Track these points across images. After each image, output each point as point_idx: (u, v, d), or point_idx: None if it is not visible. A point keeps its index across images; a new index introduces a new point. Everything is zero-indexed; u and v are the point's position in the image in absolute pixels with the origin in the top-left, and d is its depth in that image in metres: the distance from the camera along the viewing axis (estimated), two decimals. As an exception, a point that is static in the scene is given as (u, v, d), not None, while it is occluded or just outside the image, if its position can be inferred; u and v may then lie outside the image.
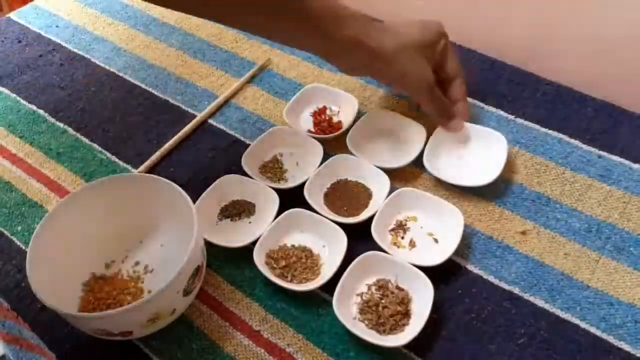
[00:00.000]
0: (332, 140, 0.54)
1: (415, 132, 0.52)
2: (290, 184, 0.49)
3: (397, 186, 0.49)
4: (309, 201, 0.47)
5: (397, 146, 0.52)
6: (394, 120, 0.53)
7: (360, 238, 0.45)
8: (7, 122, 0.59)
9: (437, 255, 0.43)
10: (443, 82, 0.50)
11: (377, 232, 0.44)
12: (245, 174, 0.50)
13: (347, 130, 0.53)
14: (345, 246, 0.44)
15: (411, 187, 0.48)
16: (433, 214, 0.46)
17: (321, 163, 0.50)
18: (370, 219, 0.45)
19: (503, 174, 0.48)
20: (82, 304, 0.42)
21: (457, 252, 0.44)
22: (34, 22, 0.72)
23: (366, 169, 0.50)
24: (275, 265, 0.44)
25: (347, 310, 0.41)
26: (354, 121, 0.53)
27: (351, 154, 0.51)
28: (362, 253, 0.43)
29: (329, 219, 0.46)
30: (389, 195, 0.47)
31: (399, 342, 0.39)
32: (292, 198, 0.48)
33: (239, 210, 0.49)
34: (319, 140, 0.52)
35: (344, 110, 0.56)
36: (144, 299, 0.36)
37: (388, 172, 0.49)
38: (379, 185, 0.48)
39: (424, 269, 0.42)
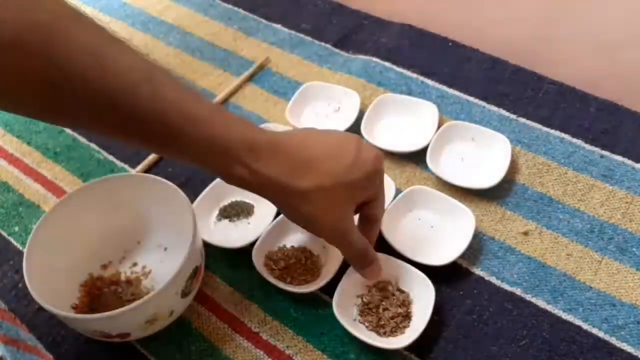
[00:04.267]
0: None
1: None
2: None
3: (400, 187, 0.49)
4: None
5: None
6: None
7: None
8: (4, 122, 0.59)
9: (445, 255, 0.43)
10: (364, 218, 0.41)
11: (387, 230, 0.44)
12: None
13: (349, 129, 0.53)
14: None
15: (414, 187, 0.48)
16: (444, 214, 0.46)
17: None
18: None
19: (505, 174, 0.48)
20: (80, 305, 0.42)
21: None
22: (31, 21, 0.71)
23: None
24: (274, 267, 0.44)
25: (347, 311, 0.41)
26: (357, 118, 0.53)
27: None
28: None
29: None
30: (394, 198, 0.46)
31: (400, 344, 0.39)
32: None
33: (237, 210, 0.48)
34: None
35: (346, 108, 0.56)
36: (141, 301, 0.36)
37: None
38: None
39: (429, 268, 0.42)
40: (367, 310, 0.41)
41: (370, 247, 0.40)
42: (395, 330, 0.40)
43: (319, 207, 0.36)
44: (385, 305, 0.41)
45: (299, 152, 0.35)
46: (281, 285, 0.42)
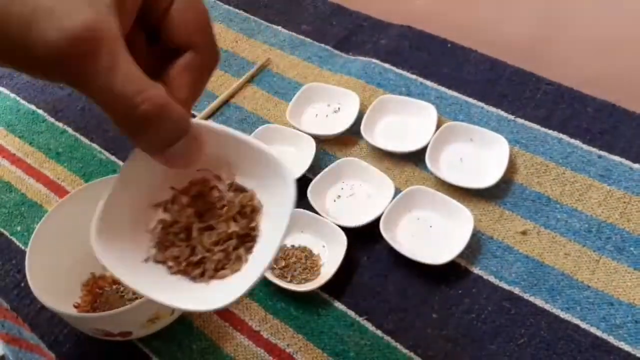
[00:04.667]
0: (332, 140, 0.54)
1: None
2: None
3: (400, 187, 0.49)
4: (313, 205, 0.47)
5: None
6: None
7: (360, 238, 0.45)
8: (6, 122, 0.59)
9: (443, 255, 0.43)
10: (161, 56, 0.23)
11: (386, 230, 0.44)
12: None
13: (349, 129, 0.53)
14: (345, 246, 0.44)
15: (413, 187, 0.48)
16: (443, 214, 0.46)
17: (314, 159, 0.50)
18: (372, 221, 0.45)
19: (503, 174, 0.48)
20: (82, 304, 0.42)
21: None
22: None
23: (371, 172, 0.49)
24: (274, 266, 0.44)
25: (127, 245, 0.26)
26: (357, 118, 0.53)
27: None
28: (362, 253, 0.43)
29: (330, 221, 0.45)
30: (393, 198, 0.47)
31: (231, 295, 0.22)
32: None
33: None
34: (318, 139, 0.52)
35: (345, 108, 0.56)
36: (143, 300, 0.36)
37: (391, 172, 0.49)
38: (383, 189, 0.48)
39: (428, 267, 0.42)
40: (172, 237, 0.24)
41: (169, 100, 0.21)
42: (222, 268, 0.23)
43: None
44: (207, 221, 0.24)
45: None
46: (281, 284, 0.43)
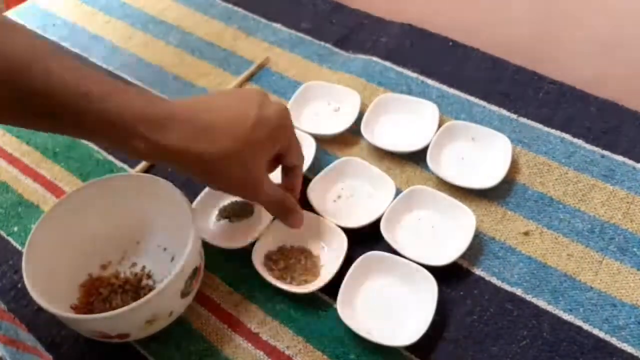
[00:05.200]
0: (332, 139, 0.53)
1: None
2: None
3: (401, 187, 0.49)
4: (314, 205, 0.47)
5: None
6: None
7: (360, 238, 0.45)
8: (3, 121, 0.59)
9: (445, 256, 0.43)
10: (283, 169, 0.44)
11: (386, 230, 0.44)
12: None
13: (349, 129, 0.53)
14: (345, 247, 0.43)
15: (414, 187, 0.48)
16: (445, 214, 0.46)
17: (314, 159, 0.50)
18: (373, 222, 0.45)
19: (505, 174, 0.48)
20: (79, 305, 0.42)
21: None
22: (30, 21, 0.71)
23: (371, 171, 0.49)
24: (274, 267, 0.44)
25: (351, 312, 0.41)
26: (357, 118, 0.53)
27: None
28: (362, 253, 0.43)
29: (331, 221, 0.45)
30: (394, 198, 0.46)
31: (403, 342, 0.38)
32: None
33: (237, 210, 0.48)
34: (318, 138, 0.52)
35: (345, 107, 0.55)
36: (141, 301, 0.36)
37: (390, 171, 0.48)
38: (383, 189, 0.48)
39: (429, 268, 0.42)
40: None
41: (288, 196, 0.42)
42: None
43: (224, 170, 0.37)
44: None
45: (199, 118, 0.36)
46: (281, 285, 0.42)
